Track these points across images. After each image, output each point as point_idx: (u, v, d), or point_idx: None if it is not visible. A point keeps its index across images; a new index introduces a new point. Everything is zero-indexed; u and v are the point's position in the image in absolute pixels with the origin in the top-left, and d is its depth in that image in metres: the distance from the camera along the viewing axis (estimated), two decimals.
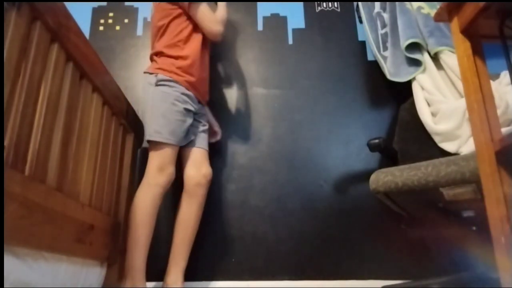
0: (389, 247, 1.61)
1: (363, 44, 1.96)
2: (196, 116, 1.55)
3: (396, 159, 1.52)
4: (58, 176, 1.01)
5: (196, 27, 1.55)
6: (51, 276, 0.98)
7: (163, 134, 1.39)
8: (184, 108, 1.44)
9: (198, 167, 1.50)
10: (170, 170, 1.40)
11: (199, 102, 1.58)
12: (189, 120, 1.47)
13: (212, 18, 1.55)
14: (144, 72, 1.52)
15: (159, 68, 1.46)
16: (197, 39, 1.55)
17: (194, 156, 1.52)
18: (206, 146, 1.58)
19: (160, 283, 1.43)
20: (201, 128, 1.58)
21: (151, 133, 1.40)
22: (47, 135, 0.98)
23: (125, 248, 1.32)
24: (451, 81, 1.47)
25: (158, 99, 1.42)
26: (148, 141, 1.42)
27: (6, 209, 0.76)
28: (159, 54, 1.51)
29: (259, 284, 1.56)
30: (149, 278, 1.36)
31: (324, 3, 2.05)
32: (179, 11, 1.53)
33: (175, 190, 1.54)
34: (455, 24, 0.93)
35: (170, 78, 1.44)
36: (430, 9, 1.65)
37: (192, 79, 1.49)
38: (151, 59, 1.56)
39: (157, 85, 1.43)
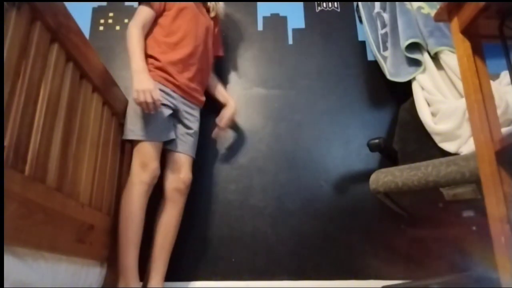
0: (389, 247, 1.61)
1: (363, 44, 1.96)
2: (178, 115, 1.52)
3: (396, 159, 1.52)
4: (58, 176, 1.01)
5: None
6: (51, 276, 0.98)
7: (136, 131, 1.39)
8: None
9: (177, 173, 1.49)
10: (153, 166, 1.38)
11: (190, 102, 1.57)
12: (165, 114, 1.42)
13: (136, 19, 1.48)
14: None
15: None
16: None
17: (174, 161, 1.50)
18: (189, 152, 1.55)
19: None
20: (185, 130, 1.54)
21: (126, 132, 1.42)
22: (47, 135, 0.98)
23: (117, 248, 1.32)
24: (451, 81, 1.47)
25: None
26: (126, 141, 1.44)
27: (6, 209, 0.76)
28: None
29: (259, 284, 1.56)
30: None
31: (324, 3, 2.05)
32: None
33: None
34: (455, 24, 0.93)
35: None
36: (430, 9, 1.65)
37: (170, 78, 1.47)
38: None
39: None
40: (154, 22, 1.53)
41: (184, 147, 1.53)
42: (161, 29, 1.53)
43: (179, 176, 1.49)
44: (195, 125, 1.59)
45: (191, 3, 1.63)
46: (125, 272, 1.27)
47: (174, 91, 1.48)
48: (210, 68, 1.69)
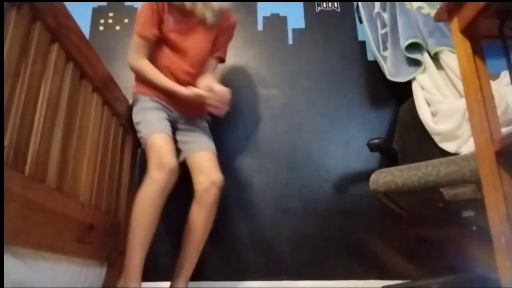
0: (389, 247, 1.61)
1: (363, 44, 1.96)
2: (179, 127, 1.54)
3: (396, 159, 1.52)
4: (58, 176, 1.01)
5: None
6: (51, 276, 0.98)
7: (143, 131, 1.40)
8: (154, 106, 1.47)
9: (207, 173, 1.42)
10: (168, 159, 1.28)
11: (184, 116, 1.56)
12: (164, 114, 1.47)
13: (136, 51, 1.47)
14: None
15: (134, 92, 1.55)
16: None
17: (199, 161, 1.46)
18: (210, 148, 1.52)
19: (159, 283, 1.43)
20: (194, 136, 1.55)
21: (140, 140, 1.43)
22: (47, 135, 0.98)
23: (125, 246, 1.31)
24: (451, 81, 1.47)
25: (135, 114, 1.48)
26: (143, 149, 1.43)
27: (6, 209, 0.76)
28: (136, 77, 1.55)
29: (259, 284, 1.56)
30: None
31: (324, 3, 2.05)
32: None
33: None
34: (455, 24, 0.93)
35: (140, 96, 1.50)
36: (430, 9, 1.65)
37: (161, 95, 1.49)
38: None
39: (133, 105, 1.51)
40: (157, 47, 1.50)
41: (204, 145, 1.54)
42: (162, 54, 1.51)
43: (210, 177, 1.42)
44: (199, 132, 1.59)
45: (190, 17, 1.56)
46: (127, 271, 1.24)
47: (172, 106, 1.53)
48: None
